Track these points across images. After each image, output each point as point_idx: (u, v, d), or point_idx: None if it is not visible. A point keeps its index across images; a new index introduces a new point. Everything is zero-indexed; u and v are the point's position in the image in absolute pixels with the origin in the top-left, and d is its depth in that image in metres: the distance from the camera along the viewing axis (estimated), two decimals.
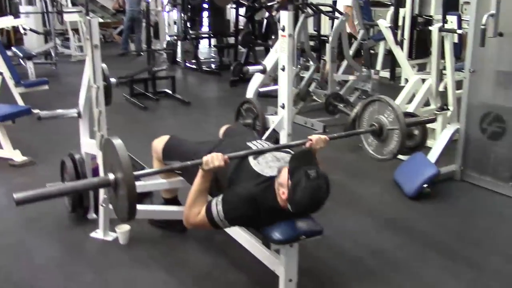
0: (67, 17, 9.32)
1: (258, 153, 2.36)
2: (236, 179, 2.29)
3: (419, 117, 3.83)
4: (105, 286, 2.50)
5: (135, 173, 2.00)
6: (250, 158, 2.34)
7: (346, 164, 4.16)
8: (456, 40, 4.16)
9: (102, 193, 2.83)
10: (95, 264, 2.70)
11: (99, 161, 2.86)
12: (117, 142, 1.96)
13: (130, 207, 1.93)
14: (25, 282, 2.53)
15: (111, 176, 2.01)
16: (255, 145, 2.45)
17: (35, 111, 3.24)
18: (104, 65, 2.78)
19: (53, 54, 8.90)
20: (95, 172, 3.11)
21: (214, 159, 2.16)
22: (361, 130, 2.86)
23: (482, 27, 3.25)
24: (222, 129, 3.07)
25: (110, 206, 2.82)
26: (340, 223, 3.15)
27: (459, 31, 4.01)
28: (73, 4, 11.83)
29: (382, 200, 3.57)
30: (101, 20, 12.09)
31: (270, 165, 2.30)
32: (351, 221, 3.23)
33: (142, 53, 9.76)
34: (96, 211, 3.10)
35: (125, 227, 2.89)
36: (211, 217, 2.16)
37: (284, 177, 2.11)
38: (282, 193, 2.12)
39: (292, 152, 2.43)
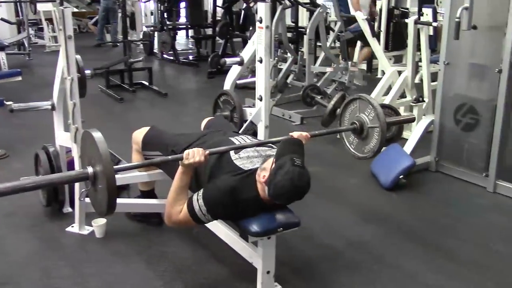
0: (40, 7, 9.12)
1: (238, 149, 2.34)
2: (217, 173, 2.27)
3: (399, 113, 3.89)
4: (82, 280, 2.47)
5: (115, 167, 1.98)
6: (231, 152, 2.33)
7: (324, 156, 4.18)
8: (431, 33, 4.20)
9: (78, 187, 2.79)
10: (72, 259, 2.67)
11: (74, 154, 2.82)
12: (97, 135, 1.94)
13: (110, 201, 1.90)
14: (0, 278, 2.48)
15: (89, 169, 1.98)
16: (237, 140, 2.44)
17: (8, 103, 3.16)
18: (78, 56, 2.74)
19: (26, 44, 8.72)
20: (70, 165, 3.07)
21: (195, 154, 2.14)
22: (342, 128, 2.88)
23: (457, 20, 3.29)
24: (204, 122, 3.05)
25: (87, 200, 2.80)
26: (319, 214, 3.17)
27: (434, 24, 4.06)
28: None
29: (360, 192, 3.61)
30: (75, 9, 11.88)
31: (252, 160, 2.30)
32: (329, 212, 3.25)
33: (118, 44, 9.63)
34: (72, 205, 3.06)
35: (101, 221, 2.86)
36: (194, 213, 2.14)
37: (269, 163, 2.13)
38: (263, 176, 2.11)
39: (273, 146, 2.43)
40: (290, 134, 2.43)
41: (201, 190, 2.18)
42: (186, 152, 2.16)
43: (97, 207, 2.08)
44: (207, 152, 2.19)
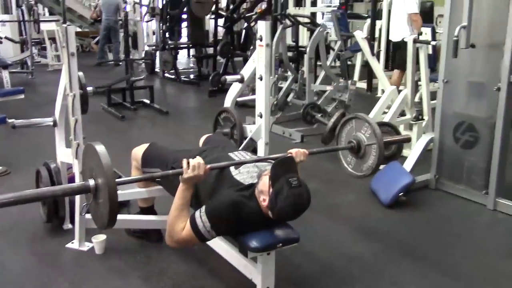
0: (44, 26, 9.24)
1: (239, 164, 2.36)
2: (218, 188, 2.28)
3: (398, 132, 3.91)
4: None
5: (117, 180, 1.98)
6: (232, 168, 2.35)
7: (323, 172, 4.19)
8: (430, 52, 4.25)
9: (78, 202, 2.80)
10: (71, 275, 2.67)
11: (75, 170, 2.83)
12: (100, 147, 1.95)
13: (111, 214, 1.90)
14: None
15: (91, 182, 1.98)
16: (236, 156, 2.46)
17: (10, 120, 3.18)
18: (80, 73, 2.77)
19: (29, 63, 8.81)
20: (71, 182, 3.07)
21: (195, 168, 2.14)
22: (340, 146, 2.88)
23: (455, 38, 3.33)
24: (202, 139, 3.07)
25: (87, 216, 2.80)
26: (318, 231, 3.17)
27: (433, 43, 4.11)
28: (51, 13, 11.74)
29: (359, 208, 3.61)
30: (79, 29, 12.02)
31: (252, 174, 2.31)
32: (328, 229, 3.25)
33: (120, 63, 9.72)
34: (72, 221, 3.07)
35: (101, 237, 2.86)
36: (197, 230, 2.13)
37: (265, 184, 2.13)
38: (263, 200, 2.14)
39: (272, 162, 2.45)
40: (289, 151, 2.44)
41: (204, 207, 2.18)
42: (184, 162, 2.15)
43: (98, 220, 2.08)
44: (208, 166, 2.20)
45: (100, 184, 1.95)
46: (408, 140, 3.30)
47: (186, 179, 2.16)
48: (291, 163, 2.18)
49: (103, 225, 1.99)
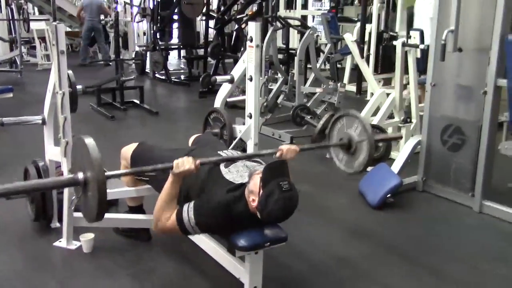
0: (33, 25, 9.19)
1: (229, 161, 2.37)
2: (207, 187, 2.29)
3: (386, 133, 3.93)
4: None
5: (107, 173, 1.97)
6: (222, 167, 2.35)
7: (313, 175, 4.21)
8: (419, 55, 4.29)
9: (66, 198, 2.80)
10: (59, 274, 2.66)
11: (64, 168, 2.83)
12: (89, 140, 1.93)
13: (100, 207, 1.89)
14: None
15: (80, 175, 1.97)
16: (226, 154, 2.47)
17: None
18: (70, 72, 2.77)
19: (18, 62, 8.75)
20: None
21: (185, 163, 2.15)
22: (331, 143, 2.87)
23: (442, 42, 3.37)
24: (191, 138, 3.08)
25: (76, 214, 2.80)
26: (308, 232, 3.18)
27: (421, 46, 4.14)
28: (40, 12, 11.68)
29: (348, 210, 3.63)
30: (69, 29, 11.95)
31: (242, 174, 2.32)
32: (318, 230, 3.27)
33: (110, 63, 9.68)
34: (60, 220, 3.06)
35: (89, 236, 2.86)
36: (182, 223, 2.16)
37: (255, 185, 2.13)
38: (252, 200, 2.15)
39: (262, 162, 2.45)
40: (280, 147, 2.45)
41: (193, 202, 2.20)
42: (176, 161, 2.16)
43: (87, 214, 2.06)
44: (198, 161, 2.20)
45: (89, 177, 1.93)
46: (399, 137, 3.29)
47: (177, 173, 2.17)
48: (283, 167, 2.18)
49: (92, 218, 1.98)
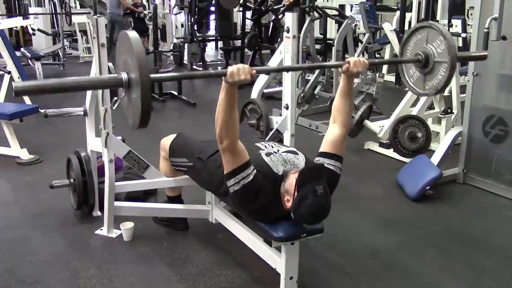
0: (75, 19, 9.41)
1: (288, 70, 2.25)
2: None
3: (427, 127, 3.77)
4: (108, 281, 2.53)
5: (152, 76, 1.74)
6: (263, 154, 2.34)
7: (349, 165, 4.15)
8: (460, 44, 4.18)
9: (107, 188, 2.87)
10: (99, 260, 2.74)
11: (105, 158, 2.90)
12: (133, 35, 1.71)
13: (143, 113, 1.69)
14: (29, 277, 2.56)
15: (124, 75, 1.75)
16: (263, 145, 2.45)
17: (42, 110, 3.28)
18: (110, 64, 2.82)
19: (61, 55, 8.99)
20: (101, 170, 3.15)
21: (240, 72, 1.94)
22: (405, 59, 2.47)
23: (486, 30, 3.27)
24: None
25: (116, 204, 2.87)
26: (342, 223, 3.17)
27: (463, 35, 4.04)
28: (81, 6, 11.95)
29: (385, 201, 3.59)
30: None
31: (279, 167, 2.29)
32: (353, 221, 3.25)
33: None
34: (101, 209, 3.14)
35: (129, 224, 2.93)
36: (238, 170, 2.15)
37: (291, 185, 2.12)
38: (287, 200, 2.15)
39: (300, 154, 2.41)
40: (347, 59, 2.20)
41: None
42: (230, 68, 1.96)
43: (131, 118, 1.87)
44: (254, 70, 2.01)
45: (133, 79, 1.72)
46: (485, 57, 2.79)
47: (231, 82, 1.98)
48: (321, 169, 2.15)
49: (135, 124, 1.78)
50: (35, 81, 1.65)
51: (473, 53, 2.74)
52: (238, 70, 1.94)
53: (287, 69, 2.20)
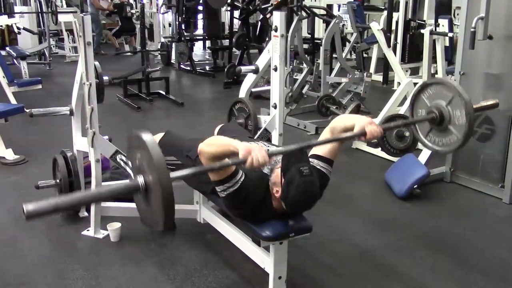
0: (61, 18, 9.31)
1: (306, 148, 2.13)
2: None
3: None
4: (95, 283, 2.51)
5: (172, 175, 1.57)
6: None
7: (337, 164, 4.12)
8: (447, 44, 4.21)
9: (94, 187, 2.84)
10: (86, 261, 2.71)
11: (91, 158, 2.87)
12: (148, 137, 1.55)
13: (167, 216, 1.54)
14: (15, 279, 2.53)
15: (140, 180, 1.59)
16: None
17: (28, 109, 3.23)
18: (96, 63, 2.80)
19: (47, 54, 8.90)
20: (87, 170, 3.12)
21: (259, 160, 1.82)
22: (419, 118, 2.34)
23: (472, 30, 3.29)
24: (217, 128, 3.09)
25: (103, 204, 2.84)
26: (331, 222, 3.17)
27: (450, 34, 4.06)
28: (68, 4, 11.84)
29: (373, 201, 3.60)
30: None
31: (268, 166, 2.28)
32: (342, 221, 3.25)
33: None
34: (88, 209, 3.11)
35: (116, 225, 2.90)
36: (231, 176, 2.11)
37: (277, 176, 2.12)
38: (276, 191, 2.14)
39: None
40: (363, 128, 2.07)
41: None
42: (244, 154, 1.84)
43: (149, 221, 1.74)
44: (268, 157, 1.87)
45: (150, 183, 1.56)
46: (496, 105, 2.69)
47: (248, 168, 1.86)
48: (301, 153, 2.14)
49: (158, 226, 1.62)
50: (51, 200, 1.42)
51: (486, 104, 2.55)
52: (257, 157, 1.82)
53: (304, 147, 2.09)
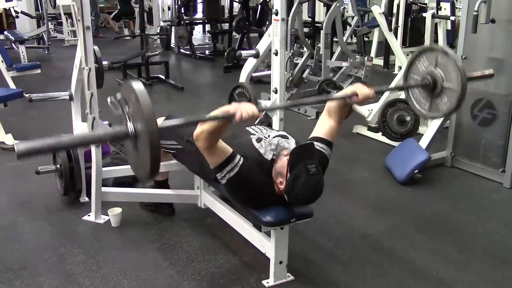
0: (60, 1, 9.24)
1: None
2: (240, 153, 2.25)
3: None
4: (96, 267, 2.51)
5: (159, 125, 1.64)
6: (253, 139, 2.33)
7: (338, 149, 4.12)
8: (449, 27, 4.17)
9: (94, 173, 2.84)
10: (87, 246, 2.71)
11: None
12: (138, 86, 1.60)
13: (153, 162, 1.61)
14: (16, 264, 2.54)
15: (130, 126, 1.66)
16: (253, 129, 2.44)
17: (27, 94, 3.21)
18: (96, 47, 2.77)
19: (45, 38, 8.84)
20: (88, 156, 3.11)
21: (248, 114, 1.85)
22: (412, 84, 2.34)
23: (475, 13, 3.26)
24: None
25: (104, 189, 2.84)
26: (332, 207, 3.17)
27: (452, 18, 4.03)
28: None
29: (374, 185, 3.60)
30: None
31: (272, 147, 2.28)
32: (342, 205, 3.25)
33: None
34: (88, 194, 3.11)
35: (117, 210, 2.90)
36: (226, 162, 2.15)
37: (283, 166, 2.12)
38: (280, 182, 2.14)
39: (290, 138, 2.37)
40: (356, 90, 2.09)
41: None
42: (238, 113, 1.85)
43: (137, 169, 1.80)
44: (261, 112, 1.98)
45: (139, 130, 1.63)
46: (491, 75, 2.68)
47: (238, 122, 1.88)
48: (311, 148, 2.14)
49: (145, 175, 1.69)
50: (38, 141, 1.49)
51: (481, 74, 2.56)
52: (246, 112, 1.85)
53: (291, 106, 2.09)
